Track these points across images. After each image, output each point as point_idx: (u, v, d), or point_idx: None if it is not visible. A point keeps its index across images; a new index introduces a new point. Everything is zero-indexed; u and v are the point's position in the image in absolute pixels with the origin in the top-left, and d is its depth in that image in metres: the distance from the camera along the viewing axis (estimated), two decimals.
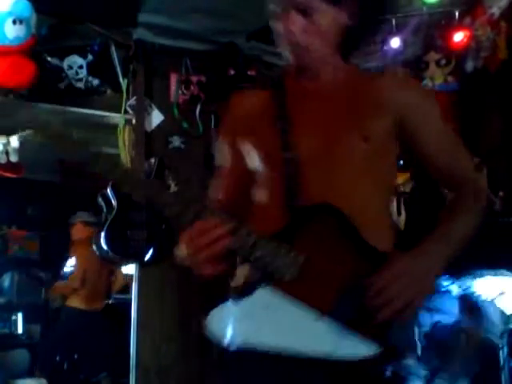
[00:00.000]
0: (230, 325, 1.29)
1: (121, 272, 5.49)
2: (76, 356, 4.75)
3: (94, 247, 3.55)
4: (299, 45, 1.37)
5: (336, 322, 1.26)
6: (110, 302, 5.52)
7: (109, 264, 4.96)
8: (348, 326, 1.27)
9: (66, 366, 4.77)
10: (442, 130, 1.47)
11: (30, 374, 5.48)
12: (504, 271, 2.95)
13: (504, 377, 2.80)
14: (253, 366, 1.31)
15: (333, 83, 1.45)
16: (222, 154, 1.58)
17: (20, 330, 6.11)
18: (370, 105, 1.40)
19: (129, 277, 4.90)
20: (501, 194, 3.52)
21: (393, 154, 1.46)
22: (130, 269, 5.33)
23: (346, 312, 1.27)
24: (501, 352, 2.81)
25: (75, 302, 4.99)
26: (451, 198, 1.51)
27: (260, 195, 1.46)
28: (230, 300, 1.31)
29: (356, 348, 1.26)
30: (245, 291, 1.30)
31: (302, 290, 1.28)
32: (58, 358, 4.80)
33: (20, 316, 6.13)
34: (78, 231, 5.14)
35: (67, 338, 4.89)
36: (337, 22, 1.39)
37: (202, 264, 1.29)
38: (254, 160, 1.47)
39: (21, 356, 5.73)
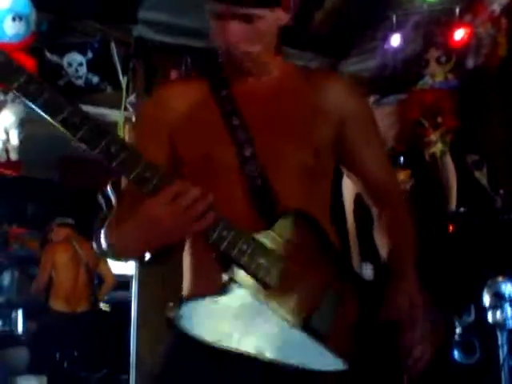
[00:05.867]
0: (204, 321, 1.21)
1: (110, 272, 5.44)
2: (59, 356, 4.77)
3: (94, 245, 3.53)
4: (239, 50, 1.30)
5: (310, 334, 1.24)
6: (103, 302, 5.51)
7: (88, 266, 4.98)
8: (320, 340, 1.25)
9: (64, 364, 4.79)
10: (377, 143, 1.48)
11: (29, 371, 5.48)
12: None
13: (504, 376, 2.79)
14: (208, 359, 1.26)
15: (276, 83, 1.40)
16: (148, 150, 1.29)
17: (20, 328, 6.10)
18: (317, 112, 1.37)
19: (127, 276, 4.87)
20: (501, 191, 3.52)
21: (332, 165, 1.44)
22: (123, 268, 5.31)
23: (320, 326, 1.25)
24: (500, 350, 2.80)
25: (57, 305, 5.00)
26: (382, 219, 1.48)
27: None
28: (208, 297, 1.22)
29: (325, 362, 1.25)
30: (221, 289, 1.22)
31: (278, 295, 1.23)
32: (47, 358, 4.82)
33: (20, 314, 6.12)
34: (56, 234, 5.16)
35: (50, 341, 4.90)
36: (277, 24, 1.33)
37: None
38: (194, 156, 1.37)
39: (21, 354, 5.71)
